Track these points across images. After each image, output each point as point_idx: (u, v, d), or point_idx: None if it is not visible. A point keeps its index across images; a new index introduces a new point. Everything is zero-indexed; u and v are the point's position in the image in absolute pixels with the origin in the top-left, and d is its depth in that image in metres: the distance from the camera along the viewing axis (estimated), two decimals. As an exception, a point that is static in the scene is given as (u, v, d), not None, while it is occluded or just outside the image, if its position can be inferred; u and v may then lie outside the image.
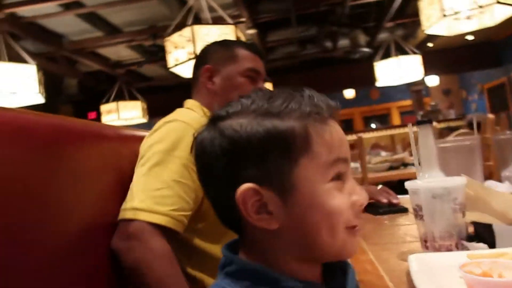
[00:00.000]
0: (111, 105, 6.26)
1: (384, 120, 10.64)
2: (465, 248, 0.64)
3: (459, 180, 0.64)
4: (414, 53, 5.55)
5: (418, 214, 0.68)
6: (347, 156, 0.52)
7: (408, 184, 0.70)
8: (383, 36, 6.39)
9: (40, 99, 3.98)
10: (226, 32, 3.30)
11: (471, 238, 0.66)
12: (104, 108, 6.29)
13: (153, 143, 1.00)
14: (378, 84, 5.77)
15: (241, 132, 0.50)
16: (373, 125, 9.70)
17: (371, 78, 5.86)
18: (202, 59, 1.26)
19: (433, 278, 0.55)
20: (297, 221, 0.49)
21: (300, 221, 0.50)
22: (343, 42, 6.78)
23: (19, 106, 4.11)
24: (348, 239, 0.51)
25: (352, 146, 4.05)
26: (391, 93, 10.26)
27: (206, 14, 3.68)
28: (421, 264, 0.58)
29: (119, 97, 6.52)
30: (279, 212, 0.49)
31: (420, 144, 0.76)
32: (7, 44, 4.09)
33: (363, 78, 7.77)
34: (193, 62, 3.48)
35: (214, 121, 0.54)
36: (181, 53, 3.38)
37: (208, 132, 0.53)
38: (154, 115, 7.59)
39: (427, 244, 0.67)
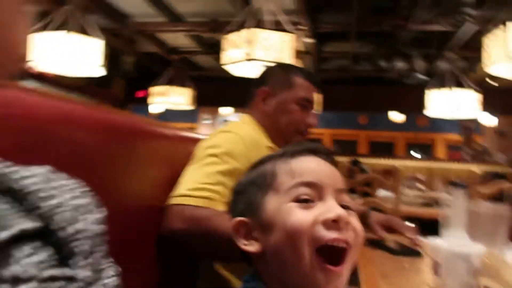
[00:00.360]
0: (162, 88, 6.48)
1: (426, 150, 10.30)
2: None
3: (478, 248, 0.68)
4: (472, 88, 5.36)
5: (436, 269, 0.71)
6: (313, 181, 0.60)
7: (430, 241, 0.73)
8: (441, 65, 6.22)
9: (102, 72, 4.20)
10: (285, 40, 3.35)
11: None
12: (154, 89, 6.52)
13: (208, 147, 1.09)
14: (427, 113, 5.62)
15: (239, 182, 0.69)
16: (414, 153, 9.44)
17: (420, 105, 5.72)
18: (262, 80, 1.33)
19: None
20: (272, 243, 0.58)
21: (274, 243, 0.58)
22: (399, 64, 6.66)
23: (82, 76, 4.37)
24: (317, 264, 0.54)
25: (388, 173, 4.00)
26: (440, 123, 9.93)
27: (267, 18, 3.74)
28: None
29: (170, 81, 6.73)
30: (261, 237, 0.60)
31: (453, 206, 0.79)
32: (76, 16, 4.34)
33: (412, 103, 7.58)
34: (246, 63, 3.54)
35: None
36: (236, 52, 3.46)
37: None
38: (201, 104, 7.80)
39: None
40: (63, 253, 0.31)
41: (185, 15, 5.61)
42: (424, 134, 10.50)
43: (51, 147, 0.62)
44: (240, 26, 3.45)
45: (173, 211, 0.98)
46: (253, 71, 3.50)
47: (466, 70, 6.46)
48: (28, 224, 0.29)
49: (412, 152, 9.58)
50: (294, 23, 5.00)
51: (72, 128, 0.67)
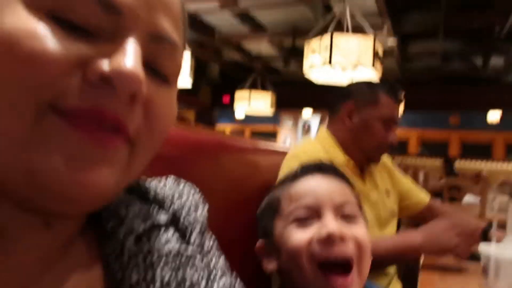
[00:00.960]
0: (244, 93, 6.76)
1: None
2: None
3: None
4: None
5: (485, 272, 0.75)
6: (309, 203, 0.66)
7: (482, 247, 0.76)
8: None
9: (189, 81, 4.54)
10: (364, 43, 3.33)
11: None
12: (238, 94, 6.83)
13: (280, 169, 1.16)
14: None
15: (260, 207, 0.76)
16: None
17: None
18: (347, 94, 1.35)
19: None
20: (283, 262, 0.66)
21: (284, 262, 0.66)
22: (496, 61, 6.13)
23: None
24: (321, 278, 0.60)
25: (479, 177, 3.73)
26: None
27: (349, 22, 3.74)
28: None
29: (253, 87, 6.99)
30: (276, 257, 0.68)
31: (510, 213, 0.79)
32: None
33: (510, 102, 6.92)
34: (326, 68, 3.58)
35: None
36: (317, 58, 3.52)
37: None
38: (281, 106, 7.95)
39: None
40: (186, 235, 0.42)
41: (267, 24, 5.81)
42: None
43: (153, 163, 0.76)
44: (322, 32, 3.51)
45: None
46: (334, 76, 3.53)
47: None
48: (163, 217, 0.42)
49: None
50: (376, 26, 4.91)
51: (169, 148, 0.80)
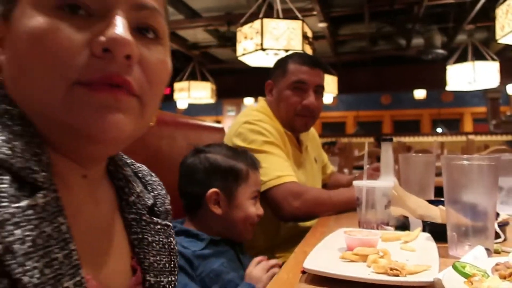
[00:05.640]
0: (184, 84, 6.72)
1: (454, 126, 10.14)
2: (382, 229, 0.86)
3: (389, 184, 0.88)
4: (493, 59, 5.27)
5: (358, 203, 0.91)
6: (258, 189, 1.05)
7: (355, 183, 0.91)
8: (461, 38, 6.13)
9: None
10: (293, 27, 3.47)
11: (398, 227, 0.89)
12: (177, 85, 6.78)
13: (255, 136, 1.32)
14: (448, 88, 5.59)
15: (216, 161, 1.00)
16: (439, 130, 9.30)
17: (443, 80, 5.69)
18: (268, 73, 1.48)
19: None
20: (231, 215, 0.98)
21: (232, 215, 0.98)
22: (417, 41, 6.60)
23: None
24: (250, 229, 1.01)
25: (409, 150, 4.07)
26: (465, 97, 9.74)
27: (279, 7, 3.86)
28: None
29: (192, 77, 6.96)
30: (224, 206, 0.98)
31: (382, 155, 0.95)
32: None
33: (434, 80, 7.49)
34: (259, 53, 3.65)
35: (198, 151, 1.02)
36: (249, 44, 3.60)
37: (193, 158, 1.01)
38: (223, 96, 7.99)
39: (360, 222, 0.92)
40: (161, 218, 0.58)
41: (201, 10, 5.80)
42: (449, 109, 10.33)
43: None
44: (253, 18, 3.59)
45: (280, 190, 1.18)
46: (267, 60, 3.64)
47: (488, 41, 6.33)
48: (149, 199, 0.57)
49: (438, 129, 9.44)
50: (307, 9, 5.09)
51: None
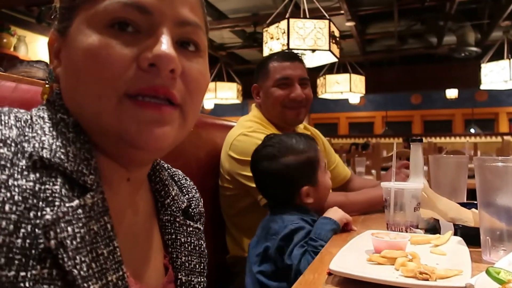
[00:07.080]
0: (210, 84, 6.77)
1: (488, 126, 9.74)
2: (412, 232, 0.84)
3: (418, 186, 0.85)
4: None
5: (386, 204, 0.89)
6: (325, 160, 1.12)
7: (383, 184, 0.88)
8: (495, 35, 5.91)
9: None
10: (320, 26, 3.44)
11: (428, 230, 0.86)
12: (204, 86, 6.82)
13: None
14: (483, 86, 5.40)
15: (292, 163, 1.06)
16: (472, 130, 8.98)
17: (476, 79, 5.50)
18: (254, 78, 1.50)
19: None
20: (318, 197, 1.07)
21: (319, 197, 1.08)
22: (449, 39, 6.40)
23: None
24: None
25: (440, 151, 3.95)
26: (500, 96, 9.36)
27: (306, 6, 3.84)
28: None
29: (218, 77, 7.01)
30: (313, 194, 1.05)
31: (411, 156, 0.92)
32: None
33: (467, 78, 7.26)
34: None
35: (270, 158, 1.07)
36: (275, 44, 3.60)
37: (268, 163, 1.07)
38: (247, 97, 8.00)
39: (389, 224, 0.89)
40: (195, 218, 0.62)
41: (227, 12, 5.84)
42: (483, 109, 9.93)
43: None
44: (280, 18, 3.58)
45: None
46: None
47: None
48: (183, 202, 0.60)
49: (471, 130, 9.11)
50: (334, 8, 5.03)
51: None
